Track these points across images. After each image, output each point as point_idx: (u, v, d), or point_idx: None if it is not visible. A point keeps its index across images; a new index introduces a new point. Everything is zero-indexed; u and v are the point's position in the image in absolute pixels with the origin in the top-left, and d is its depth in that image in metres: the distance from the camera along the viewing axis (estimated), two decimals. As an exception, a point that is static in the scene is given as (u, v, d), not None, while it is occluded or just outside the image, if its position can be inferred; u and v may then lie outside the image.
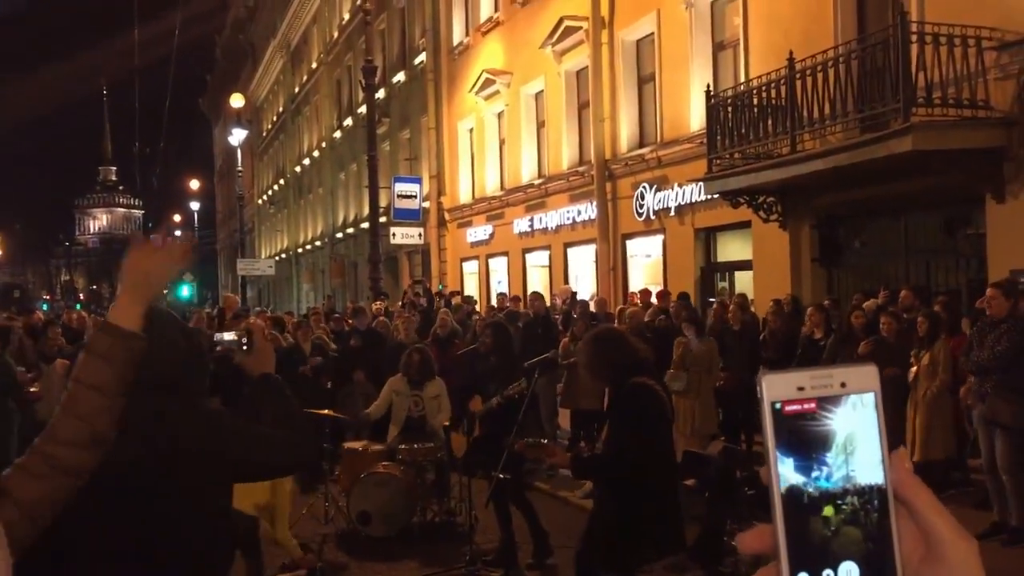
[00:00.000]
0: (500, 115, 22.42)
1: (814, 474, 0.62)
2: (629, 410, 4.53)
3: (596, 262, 18.23)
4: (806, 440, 0.62)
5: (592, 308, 12.55)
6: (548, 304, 14.89)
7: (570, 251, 19.59)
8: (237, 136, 30.93)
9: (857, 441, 0.63)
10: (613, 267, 17.62)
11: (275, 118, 47.47)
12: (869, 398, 0.63)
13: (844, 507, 0.62)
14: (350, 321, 13.03)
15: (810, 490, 0.62)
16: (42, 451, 1.81)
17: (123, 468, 1.99)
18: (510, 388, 7.42)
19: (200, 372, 2.39)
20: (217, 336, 2.54)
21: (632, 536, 4.53)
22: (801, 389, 0.63)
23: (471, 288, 23.60)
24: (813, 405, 0.63)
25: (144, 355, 2.23)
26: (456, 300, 16.63)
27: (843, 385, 0.63)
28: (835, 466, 0.62)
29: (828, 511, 0.62)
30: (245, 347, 2.46)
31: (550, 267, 20.46)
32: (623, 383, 4.56)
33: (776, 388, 0.63)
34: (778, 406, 0.63)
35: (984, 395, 7.34)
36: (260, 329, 2.53)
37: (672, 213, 15.61)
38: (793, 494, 0.62)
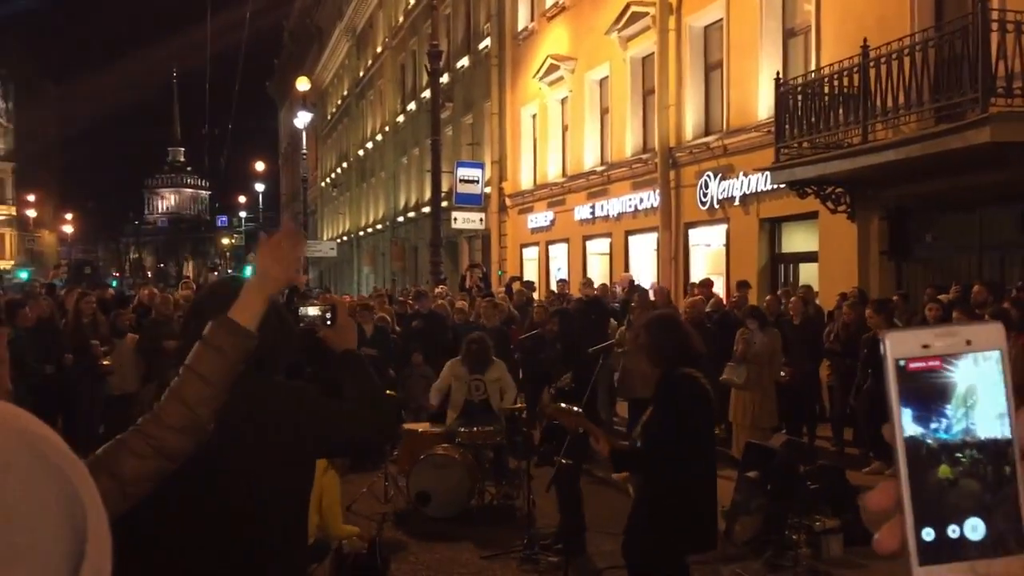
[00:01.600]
0: (564, 101, 22.33)
1: (935, 428, 0.63)
2: (670, 401, 4.49)
3: (657, 251, 18.09)
4: (930, 397, 0.63)
5: (651, 296, 12.46)
6: (608, 291, 14.85)
7: (631, 239, 19.47)
8: (302, 119, 31.34)
9: (981, 397, 0.63)
10: (675, 256, 17.47)
11: (339, 102, 47.97)
12: (994, 355, 0.64)
13: (964, 461, 0.62)
14: (412, 303, 13.15)
15: (932, 445, 0.63)
16: (146, 432, 1.86)
17: (205, 445, 2.02)
18: (560, 381, 7.46)
19: (286, 348, 2.41)
20: (301, 310, 2.57)
21: (667, 528, 4.50)
22: (926, 347, 0.64)
23: (531, 274, 23.61)
24: (938, 362, 0.63)
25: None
26: (516, 286, 16.64)
27: (968, 343, 0.64)
28: (956, 420, 0.63)
29: (947, 467, 0.62)
30: (329, 322, 2.49)
31: (611, 255, 20.37)
32: (670, 372, 4.53)
33: (900, 345, 0.64)
34: (902, 363, 0.64)
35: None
36: (344, 304, 2.56)
37: (736, 202, 15.42)
38: (916, 450, 0.63)
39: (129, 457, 1.82)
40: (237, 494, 2.20)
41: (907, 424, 0.63)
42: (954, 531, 0.62)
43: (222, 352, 1.92)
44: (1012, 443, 0.63)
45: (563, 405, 4.97)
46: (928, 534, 0.62)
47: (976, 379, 0.63)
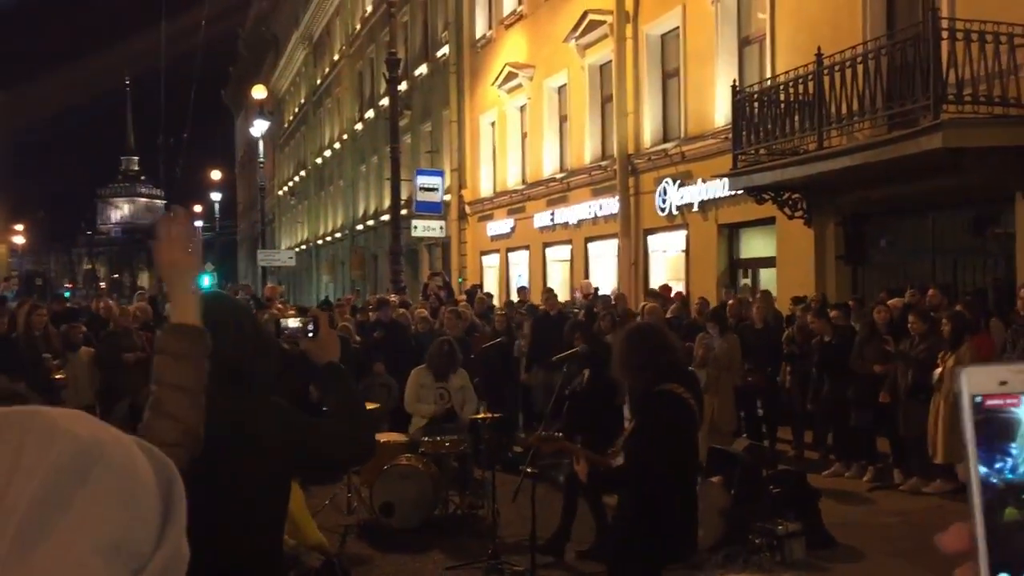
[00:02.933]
0: (522, 108, 22.38)
1: (1013, 468, 0.60)
2: (653, 419, 4.35)
3: (617, 257, 18.18)
4: (1007, 435, 0.61)
5: (613, 303, 12.50)
6: (568, 299, 14.88)
7: (591, 246, 19.54)
8: (259, 127, 31.03)
9: None
10: (634, 262, 17.56)
11: (297, 110, 47.63)
12: None
13: None
14: (373, 312, 13.07)
15: (1009, 486, 0.60)
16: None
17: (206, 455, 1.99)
18: (572, 384, 7.39)
19: (264, 360, 2.37)
20: (282, 322, 2.53)
21: (648, 538, 4.47)
22: (1004, 383, 0.61)
23: (491, 281, 23.60)
24: (1016, 400, 0.61)
25: (219, 346, 2.23)
26: (479, 295, 16.62)
27: None
28: None
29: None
30: (311, 334, 2.46)
31: (571, 262, 20.43)
32: (652, 387, 4.37)
33: (977, 382, 0.62)
34: (978, 400, 0.61)
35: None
36: (325, 317, 2.53)
37: (695, 208, 15.54)
38: (992, 491, 0.60)
39: None
40: (213, 512, 2.14)
41: (983, 463, 0.61)
42: None
43: (182, 357, 1.92)
44: None
45: (543, 433, 4.92)
46: None
47: None
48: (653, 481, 4.36)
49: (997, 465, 0.61)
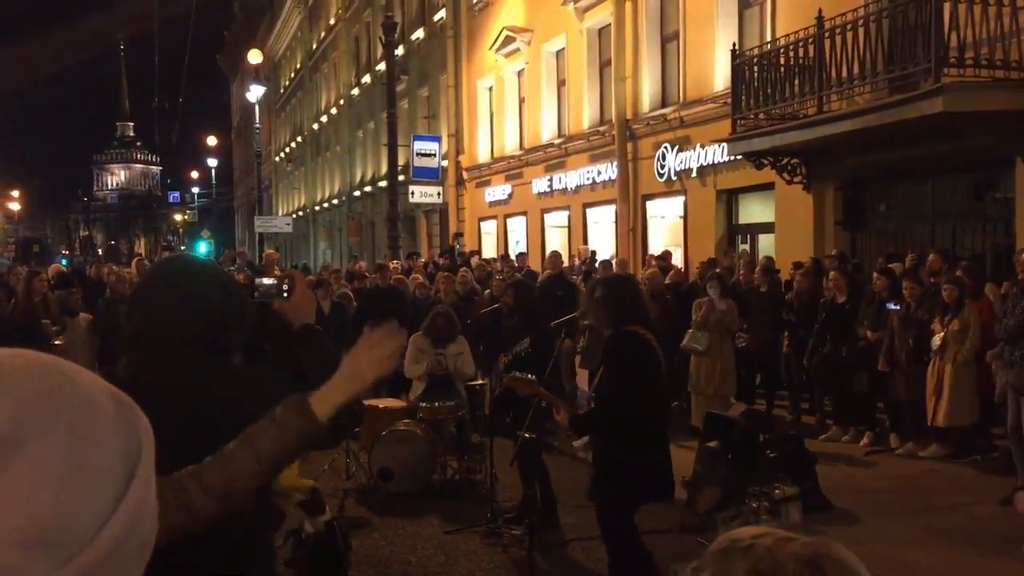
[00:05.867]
0: (520, 73, 22.20)
1: None
2: (617, 355, 4.59)
3: (616, 223, 18.13)
4: None
5: (614, 269, 12.49)
6: (556, 263, 14.86)
7: (589, 211, 19.48)
8: (255, 92, 30.79)
9: None
10: (633, 228, 17.52)
11: (293, 75, 47.24)
12: None
13: None
14: (373, 276, 13.07)
15: None
16: (182, 485, 1.79)
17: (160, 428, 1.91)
18: (517, 346, 7.44)
19: (239, 325, 2.28)
20: (256, 281, 2.45)
21: (622, 478, 4.59)
22: None
23: (489, 247, 23.55)
24: None
25: (181, 312, 2.17)
26: (475, 260, 16.61)
27: None
28: None
29: None
30: (285, 293, 2.38)
31: (569, 227, 20.37)
32: (618, 330, 4.63)
33: None
34: None
35: (1013, 362, 7.26)
36: (302, 277, 2.45)
37: (694, 174, 15.47)
38: None
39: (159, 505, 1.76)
40: None
41: None
42: None
43: (285, 432, 1.83)
44: None
45: (518, 374, 4.99)
46: None
47: None
48: (625, 417, 4.48)
49: None
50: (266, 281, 2.42)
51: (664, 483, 4.82)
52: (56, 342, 9.76)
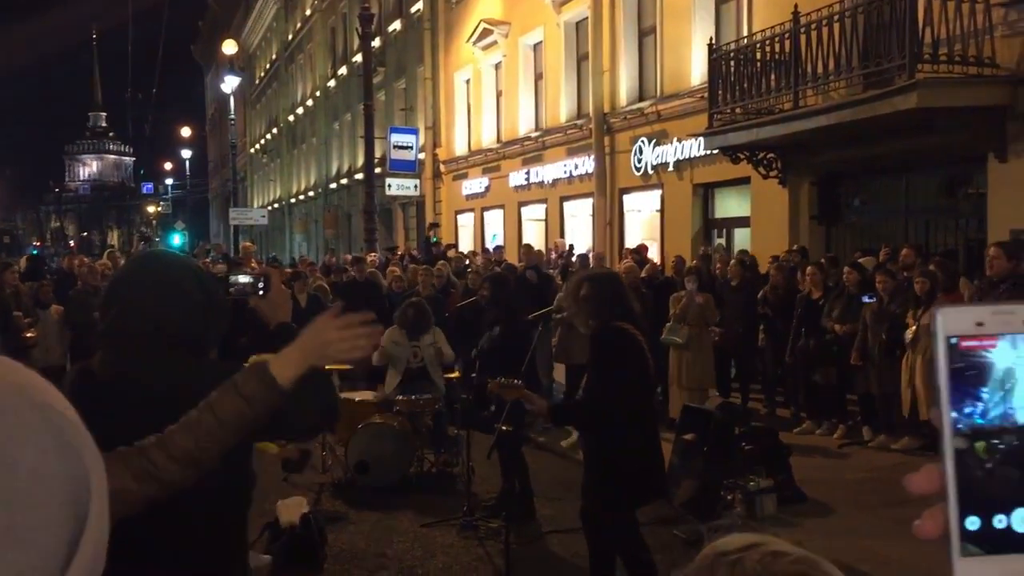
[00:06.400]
0: (498, 66, 22.15)
1: (985, 411, 0.59)
2: (604, 352, 4.54)
3: (593, 216, 18.15)
4: (981, 378, 0.59)
5: (591, 263, 12.51)
6: (538, 257, 14.87)
7: (566, 205, 19.50)
8: (229, 83, 30.59)
9: None
10: (610, 222, 17.55)
11: (268, 66, 46.89)
12: None
13: (1016, 447, 0.59)
14: (350, 270, 13.01)
15: (981, 428, 0.59)
16: (148, 455, 1.79)
17: (138, 424, 1.89)
18: (482, 341, 7.44)
19: (217, 323, 2.26)
20: (232, 278, 2.41)
21: (615, 480, 4.56)
22: (980, 324, 0.60)
23: (466, 240, 23.53)
24: (993, 341, 0.60)
25: (159, 309, 2.15)
26: (452, 252, 16.58)
27: None
28: (1008, 404, 0.59)
29: (996, 453, 0.59)
30: (261, 291, 2.36)
31: (546, 221, 20.38)
32: (603, 326, 4.57)
33: (953, 322, 0.60)
34: (954, 341, 0.60)
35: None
36: (278, 274, 2.43)
37: (671, 168, 15.52)
38: (964, 433, 0.59)
39: (124, 473, 1.74)
40: None
41: (956, 405, 0.59)
42: (1001, 521, 0.59)
43: (248, 401, 1.83)
44: None
45: (503, 380, 4.95)
46: (973, 523, 0.59)
47: None
48: (612, 416, 4.45)
49: (968, 409, 0.60)
50: (241, 279, 2.39)
51: (658, 483, 4.81)
52: (28, 334, 9.65)
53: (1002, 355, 0.60)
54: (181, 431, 1.82)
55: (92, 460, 0.66)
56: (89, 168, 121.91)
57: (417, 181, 24.70)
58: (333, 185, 34.15)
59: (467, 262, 14.95)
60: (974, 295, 7.71)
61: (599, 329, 4.59)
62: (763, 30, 11.91)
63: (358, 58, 25.08)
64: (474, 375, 7.38)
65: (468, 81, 23.76)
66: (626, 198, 17.46)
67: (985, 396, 0.59)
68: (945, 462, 0.59)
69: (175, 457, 1.79)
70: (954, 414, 0.59)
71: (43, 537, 0.60)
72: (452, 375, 8.83)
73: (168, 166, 79.01)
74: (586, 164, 17.97)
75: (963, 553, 0.59)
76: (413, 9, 25.86)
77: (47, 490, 0.61)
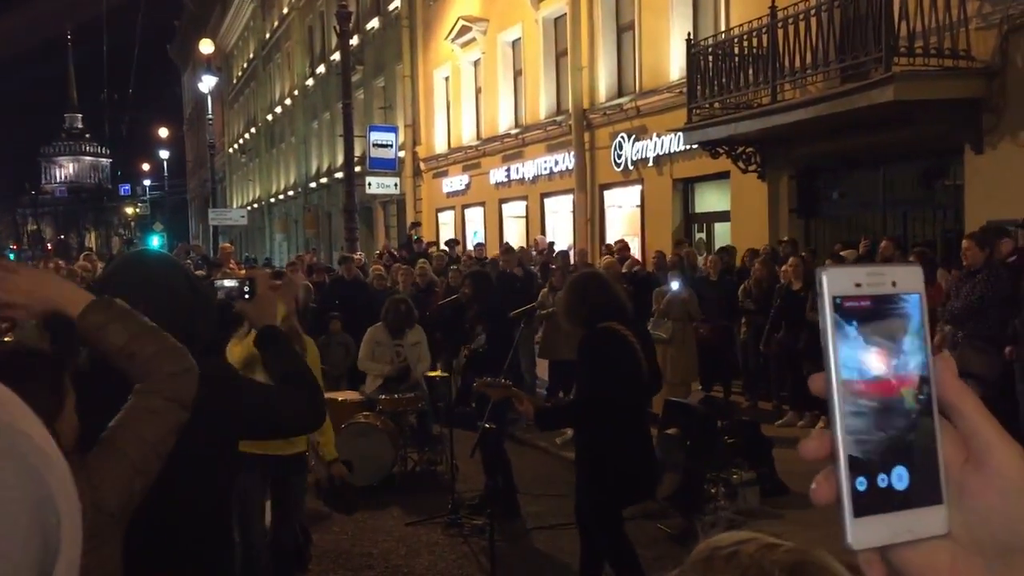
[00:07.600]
0: (476, 63, 22.12)
1: (867, 371, 0.61)
2: (594, 354, 4.51)
3: (573, 212, 18.17)
4: (862, 337, 0.61)
5: (572, 259, 12.53)
6: (525, 255, 14.86)
7: (547, 201, 19.51)
8: (207, 83, 30.41)
9: (906, 340, 0.62)
10: (590, 218, 17.57)
11: (245, 65, 46.61)
12: (915, 299, 0.63)
13: (892, 407, 0.61)
14: (336, 269, 12.97)
15: (864, 388, 0.60)
16: (151, 388, 1.86)
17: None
18: (474, 342, 7.43)
19: (205, 324, 2.25)
20: (217, 283, 2.41)
21: (607, 481, 4.55)
22: (858, 285, 0.62)
23: (446, 238, 23.47)
24: (869, 302, 0.61)
25: (148, 308, 2.14)
26: (433, 250, 16.53)
27: (894, 284, 0.62)
28: (886, 363, 0.61)
29: (877, 412, 0.60)
30: (247, 294, 2.35)
31: (527, 217, 20.38)
32: (593, 327, 4.53)
33: (837, 283, 0.61)
34: (838, 301, 0.61)
35: (956, 344, 7.42)
36: (264, 277, 2.41)
37: (650, 163, 15.55)
38: (850, 394, 0.60)
39: (151, 419, 1.79)
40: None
41: (842, 365, 0.60)
42: (883, 480, 0.60)
43: (104, 328, 1.89)
44: (932, 390, 0.61)
45: (490, 380, 4.92)
46: (861, 483, 0.60)
47: (901, 321, 0.62)
48: (600, 418, 4.44)
49: (864, 367, 0.61)
50: (228, 283, 2.39)
51: (648, 484, 4.80)
52: (5, 339, 9.54)
53: (872, 315, 0.61)
54: (148, 358, 1.88)
55: (58, 480, 0.62)
56: (65, 170, 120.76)
57: (397, 179, 24.64)
58: (313, 184, 34.01)
59: (453, 249, 14.83)
60: (951, 286, 7.76)
61: (587, 331, 4.55)
62: (741, 25, 11.96)
63: (336, 56, 24.97)
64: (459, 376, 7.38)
65: (447, 78, 23.72)
66: (606, 194, 17.49)
67: (861, 356, 0.61)
68: (834, 423, 0.60)
69: (168, 372, 1.86)
70: (845, 372, 0.60)
71: (4, 565, 0.58)
72: (435, 373, 8.82)
73: (146, 167, 78.39)
74: (566, 160, 17.98)
75: (855, 514, 0.60)
76: (391, 7, 25.77)
77: (7, 516, 0.58)
